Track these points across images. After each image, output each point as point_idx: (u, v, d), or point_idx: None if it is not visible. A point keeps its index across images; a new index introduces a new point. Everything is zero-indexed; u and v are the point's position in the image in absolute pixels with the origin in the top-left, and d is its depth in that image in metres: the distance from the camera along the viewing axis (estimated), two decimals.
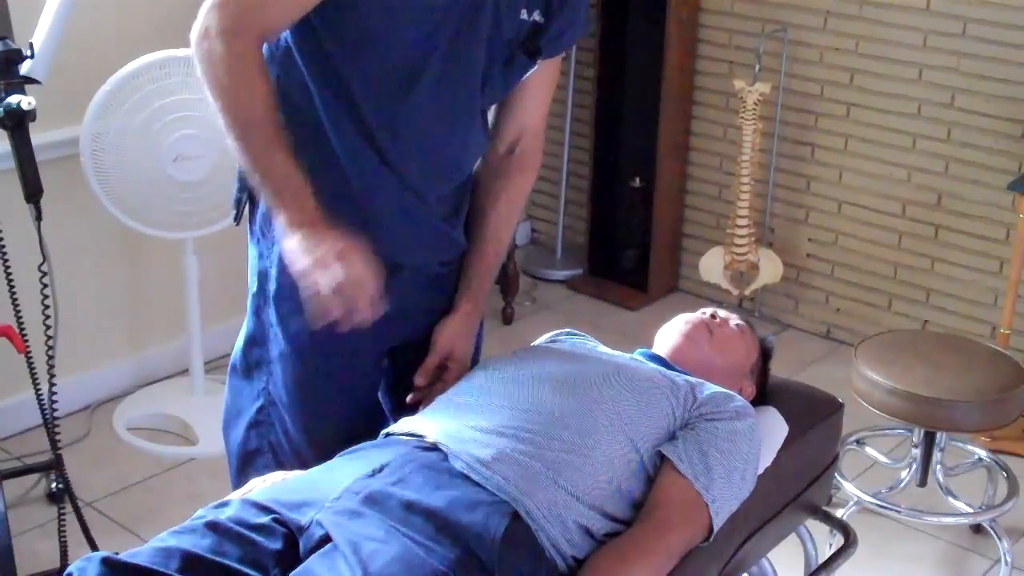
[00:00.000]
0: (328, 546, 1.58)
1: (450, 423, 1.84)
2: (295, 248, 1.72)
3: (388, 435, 1.90)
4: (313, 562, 1.56)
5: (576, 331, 2.25)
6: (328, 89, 1.86)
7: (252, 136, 1.75)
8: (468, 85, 1.92)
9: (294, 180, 1.76)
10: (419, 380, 2.09)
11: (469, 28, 1.86)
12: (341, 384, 2.06)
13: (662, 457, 1.86)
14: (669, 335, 2.17)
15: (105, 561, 1.53)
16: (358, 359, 2.06)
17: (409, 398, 2.10)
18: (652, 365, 2.04)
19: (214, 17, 1.72)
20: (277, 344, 2.04)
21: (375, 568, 1.53)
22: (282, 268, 1.93)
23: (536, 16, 1.93)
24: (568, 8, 1.96)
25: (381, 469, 1.72)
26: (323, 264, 1.67)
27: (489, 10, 1.87)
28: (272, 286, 2.01)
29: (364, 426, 2.06)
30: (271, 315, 2.03)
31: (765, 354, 2.24)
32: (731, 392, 2.00)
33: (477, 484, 1.70)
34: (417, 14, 1.82)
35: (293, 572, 1.55)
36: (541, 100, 2.10)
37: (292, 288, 1.85)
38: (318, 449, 2.03)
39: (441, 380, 2.09)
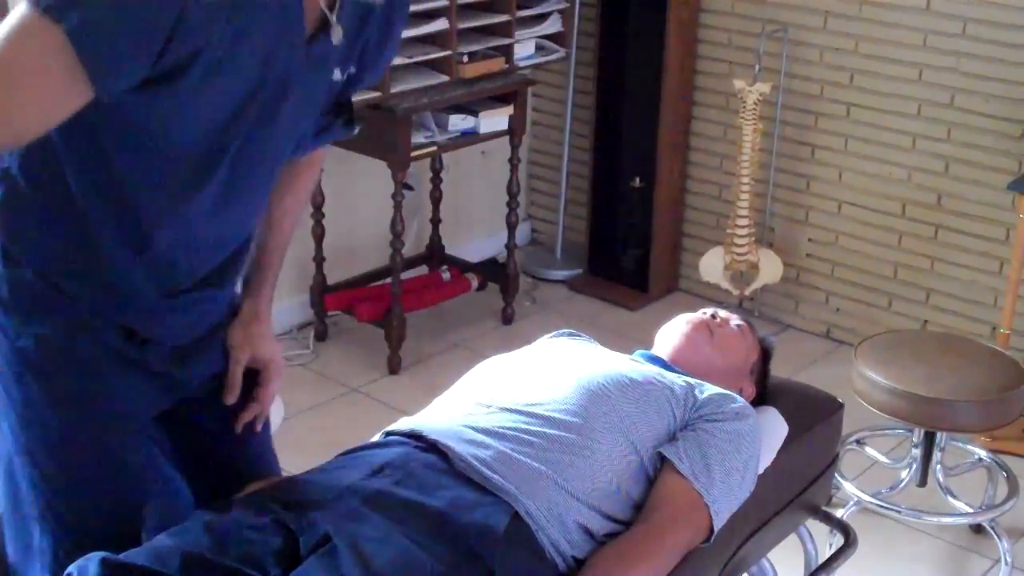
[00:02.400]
0: (328, 546, 1.58)
1: (450, 423, 1.83)
2: None
3: (388, 434, 1.90)
4: (313, 563, 1.55)
5: (576, 331, 2.25)
6: (93, 181, 1.58)
7: None
8: (270, 163, 1.70)
9: None
10: (231, 397, 1.84)
11: (272, 114, 1.59)
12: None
13: (662, 458, 1.86)
14: (670, 335, 2.17)
15: (104, 561, 1.52)
16: (110, 434, 1.71)
17: (238, 426, 1.88)
18: (652, 366, 2.04)
19: None
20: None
21: (376, 568, 1.53)
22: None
23: (351, 69, 1.70)
24: (376, 48, 1.73)
25: (381, 469, 1.72)
26: None
27: (296, 94, 1.60)
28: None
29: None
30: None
31: (765, 354, 2.24)
32: (731, 393, 2.00)
33: (477, 485, 1.70)
34: (213, 112, 1.53)
35: (293, 572, 1.55)
36: None
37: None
38: None
39: (259, 388, 1.89)
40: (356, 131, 1.81)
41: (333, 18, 1.57)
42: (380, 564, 1.54)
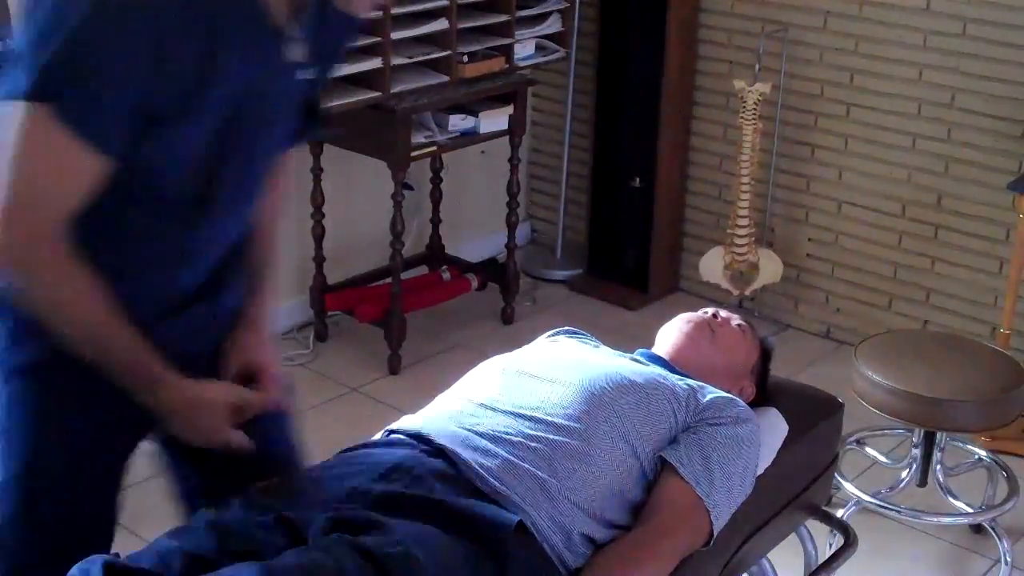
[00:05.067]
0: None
1: (454, 426, 1.83)
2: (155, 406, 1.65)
3: (391, 432, 1.90)
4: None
5: (576, 329, 2.25)
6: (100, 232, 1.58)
7: (90, 332, 1.59)
8: (263, 168, 1.71)
9: (138, 357, 1.62)
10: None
11: (260, 125, 1.63)
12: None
13: (662, 461, 1.86)
14: (670, 334, 2.17)
15: (107, 565, 1.52)
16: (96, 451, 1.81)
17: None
18: (653, 367, 2.04)
19: (7, 234, 1.49)
20: None
21: (399, 535, 1.54)
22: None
23: (317, 64, 1.70)
24: (337, 41, 1.75)
25: (388, 474, 1.71)
26: (187, 415, 1.66)
27: (275, 102, 1.64)
28: None
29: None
30: None
31: (766, 354, 2.24)
32: (733, 396, 2.00)
33: (483, 493, 1.71)
34: (207, 137, 1.55)
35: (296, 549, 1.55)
36: None
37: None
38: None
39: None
40: (327, 129, 1.83)
41: (296, 31, 1.58)
42: (411, 532, 1.55)
